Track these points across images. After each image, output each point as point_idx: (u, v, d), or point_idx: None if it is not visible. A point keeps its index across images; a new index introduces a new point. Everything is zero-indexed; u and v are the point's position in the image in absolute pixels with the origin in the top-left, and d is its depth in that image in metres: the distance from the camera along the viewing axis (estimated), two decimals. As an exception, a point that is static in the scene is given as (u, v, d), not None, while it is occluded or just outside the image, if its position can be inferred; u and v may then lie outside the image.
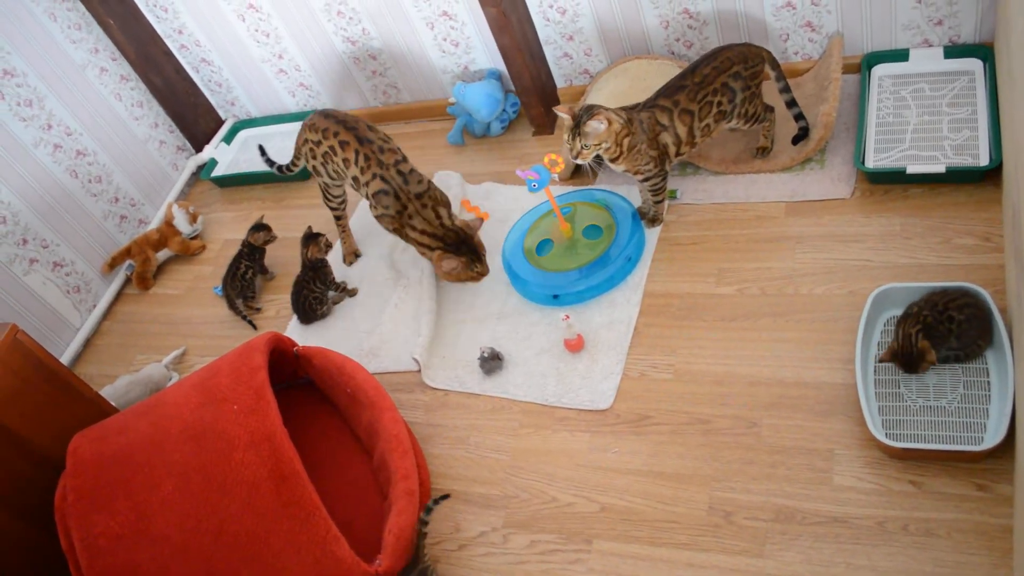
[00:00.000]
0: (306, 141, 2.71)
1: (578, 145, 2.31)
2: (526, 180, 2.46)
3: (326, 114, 2.66)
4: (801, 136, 2.57)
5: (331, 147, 2.61)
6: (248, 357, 2.13)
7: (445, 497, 2.07)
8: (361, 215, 3.10)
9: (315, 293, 2.75)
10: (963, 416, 1.90)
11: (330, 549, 1.82)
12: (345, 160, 2.59)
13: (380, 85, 3.40)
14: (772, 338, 2.21)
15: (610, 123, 2.29)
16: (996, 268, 2.13)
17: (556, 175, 2.55)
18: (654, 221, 2.59)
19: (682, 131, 2.40)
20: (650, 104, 2.39)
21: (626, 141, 2.33)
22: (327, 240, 2.78)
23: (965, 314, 1.93)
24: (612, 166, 2.42)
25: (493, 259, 2.66)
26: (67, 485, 1.98)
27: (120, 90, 3.44)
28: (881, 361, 2.00)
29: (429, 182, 2.57)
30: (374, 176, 2.53)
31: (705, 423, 2.12)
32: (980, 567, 1.71)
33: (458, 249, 2.51)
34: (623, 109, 2.36)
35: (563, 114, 2.33)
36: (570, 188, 2.82)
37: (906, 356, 1.94)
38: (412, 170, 2.56)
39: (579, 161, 2.35)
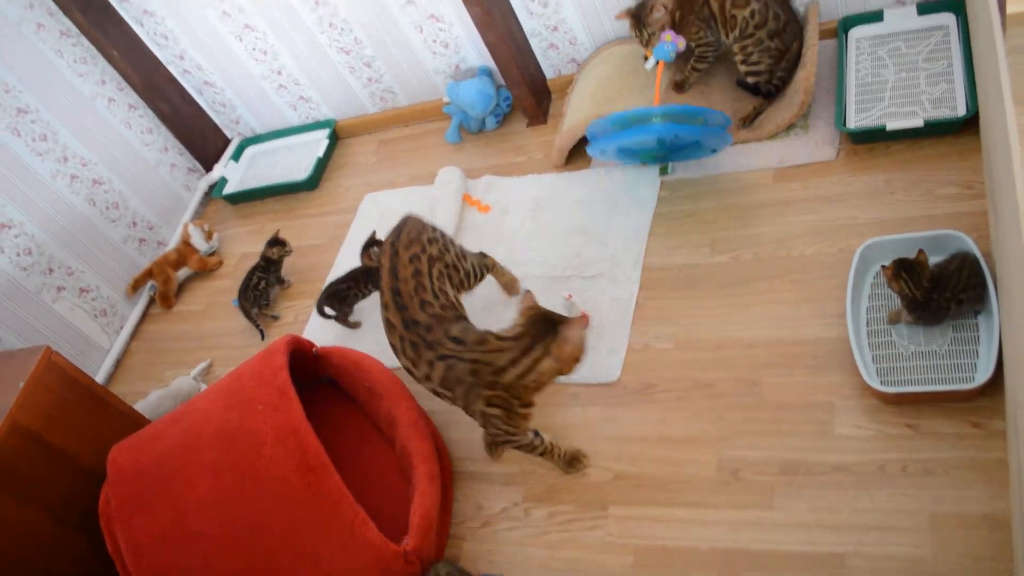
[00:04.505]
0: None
1: (645, 35, 2.65)
2: (663, 43, 2.61)
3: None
4: (745, 84, 2.71)
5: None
6: (270, 360, 2.23)
7: None
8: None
9: (365, 295, 2.81)
10: (954, 358, 1.97)
11: (359, 532, 1.92)
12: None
13: (377, 91, 3.50)
14: (768, 300, 2.29)
15: (666, 7, 2.60)
16: (979, 214, 2.19)
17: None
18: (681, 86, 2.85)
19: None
20: None
21: (677, 13, 2.62)
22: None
23: (968, 295, 1.96)
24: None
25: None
26: (109, 492, 2.10)
27: (129, 118, 3.56)
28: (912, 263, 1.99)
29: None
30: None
31: (709, 387, 2.20)
32: (978, 500, 1.77)
33: None
34: None
35: (622, 20, 2.70)
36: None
37: (908, 267, 1.97)
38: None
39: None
